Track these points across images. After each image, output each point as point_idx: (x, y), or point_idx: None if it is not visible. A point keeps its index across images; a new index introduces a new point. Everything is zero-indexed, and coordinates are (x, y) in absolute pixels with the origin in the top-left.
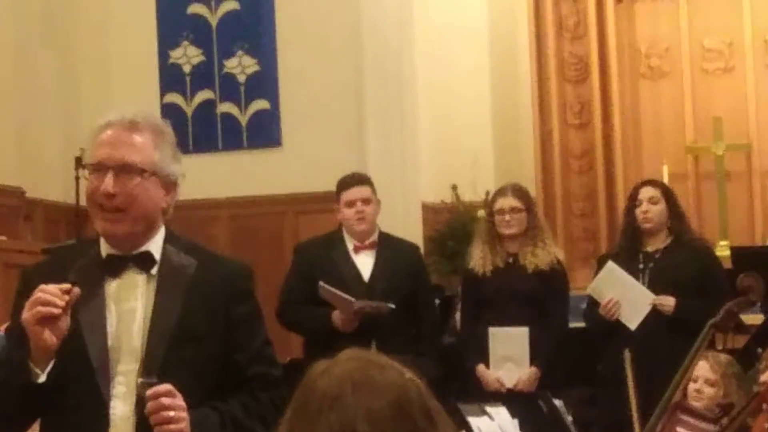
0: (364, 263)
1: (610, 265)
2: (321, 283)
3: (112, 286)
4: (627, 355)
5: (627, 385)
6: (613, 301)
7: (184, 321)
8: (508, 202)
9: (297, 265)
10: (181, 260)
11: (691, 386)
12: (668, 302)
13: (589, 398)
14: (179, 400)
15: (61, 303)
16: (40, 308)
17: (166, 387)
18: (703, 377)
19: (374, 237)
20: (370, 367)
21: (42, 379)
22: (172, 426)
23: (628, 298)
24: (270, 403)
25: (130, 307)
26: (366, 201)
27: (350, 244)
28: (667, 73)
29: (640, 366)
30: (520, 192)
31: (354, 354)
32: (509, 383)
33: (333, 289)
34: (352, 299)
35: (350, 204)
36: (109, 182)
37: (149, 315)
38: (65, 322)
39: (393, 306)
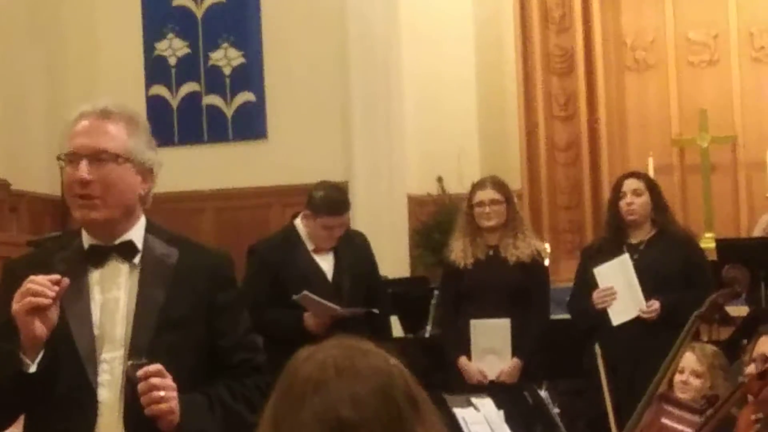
0: (326, 262)
1: (625, 257)
2: (305, 292)
3: (95, 276)
4: (597, 350)
5: (599, 379)
6: (611, 291)
7: (168, 309)
8: (488, 194)
9: (258, 268)
10: (163, 250)
11: (678, 378)
12: (653, 309)
13: (575, 390)
14: (169, 381)
15: (51, 294)
16: (31, 299)
17: (156, 367)
18: (690, 369)
19: None
20: (354, 352)
21: (32, 369)
22: (162, 405)
23: (625, 295)
24: (255, 387)
25: (113, 296)
26: (343, 226)
27: (309, 245)
28: (652, 66)
29: (623, 357)
30: (499, 184)
31: (338, 340)
32: (491, 375)
33: (317, 298)
34: (338, 307)
35: (328, 228)
36: (83, 169)
37: (133, 304)
38: (55, 313)
39: (376, 311)
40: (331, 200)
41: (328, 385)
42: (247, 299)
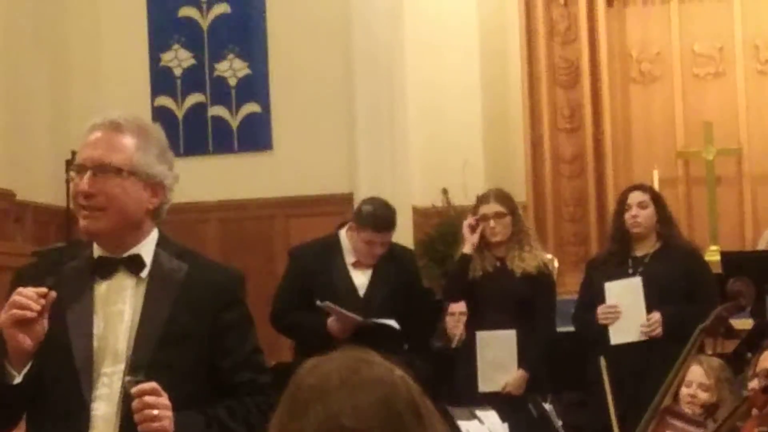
0: (362, 276)
1: (638, 280)
2: (328, 303)
3: (101, 288)
4: (602, 362)
5: (604, 391)
6: (615, 309)
7: (172, 325)
8: (491, 208)
9: (292, 272)
10: (171, 265)
11: (685, 391)
12: (654, 320)
13: (579, 402)
14: (164, 399)
15: (37, 307)
16: (16, 311)
17: (151, 385)
18: (697, 382)
19: None
20: (359, 363)
21: (17, 380)
22: (155, 424)
23: (629, 316)
24: (256, 408)
25: (118, 309)
26: (384, 244)
27: (349, 257)
28: (657, 78)
29: (627, 370)
30: (502, 197)
31: (344, 351)
32: (497, 387)
33: (337, 308)
34: (358, 318)
35: (369, 243)
36: (85, 181)
37: (137, 318)
38: (42, 326)
39: (397, 327)
40: (377, 216)
41: (330, 394)
42: (275, 301)
